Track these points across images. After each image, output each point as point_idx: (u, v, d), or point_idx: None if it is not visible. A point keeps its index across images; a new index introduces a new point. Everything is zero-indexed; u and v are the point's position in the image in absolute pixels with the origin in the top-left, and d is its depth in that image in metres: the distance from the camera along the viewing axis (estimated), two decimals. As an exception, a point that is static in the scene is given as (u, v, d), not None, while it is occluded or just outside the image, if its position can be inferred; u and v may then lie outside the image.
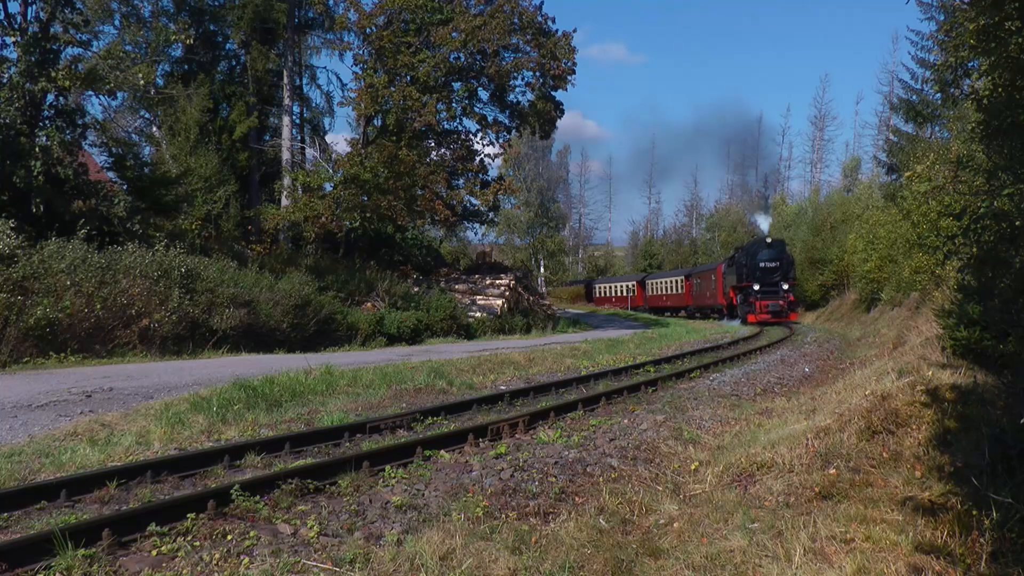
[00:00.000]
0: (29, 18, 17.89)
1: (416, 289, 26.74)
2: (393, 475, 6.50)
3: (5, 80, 16.80)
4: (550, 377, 13.88)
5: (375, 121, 30.08)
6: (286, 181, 30.20)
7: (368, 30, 28.45)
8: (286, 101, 31.30)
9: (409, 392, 11.50)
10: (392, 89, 27.63)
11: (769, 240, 37.25)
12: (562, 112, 31.45)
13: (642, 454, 7.45)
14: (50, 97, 17.95)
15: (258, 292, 19.42)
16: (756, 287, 35.68)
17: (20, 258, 14.46)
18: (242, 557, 4.60)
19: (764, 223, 46.54)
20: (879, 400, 7.33)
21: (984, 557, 4.21)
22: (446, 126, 30.44)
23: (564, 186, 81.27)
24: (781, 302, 35.19)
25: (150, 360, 15.07)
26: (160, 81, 29.77)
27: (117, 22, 29.77)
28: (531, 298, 32.90)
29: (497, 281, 31.02)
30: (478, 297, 29.46)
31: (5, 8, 17.69)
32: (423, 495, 5.95)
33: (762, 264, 35.86)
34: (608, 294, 63.87)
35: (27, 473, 6.50)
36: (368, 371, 12.69)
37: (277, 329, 19.38)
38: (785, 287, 35.50)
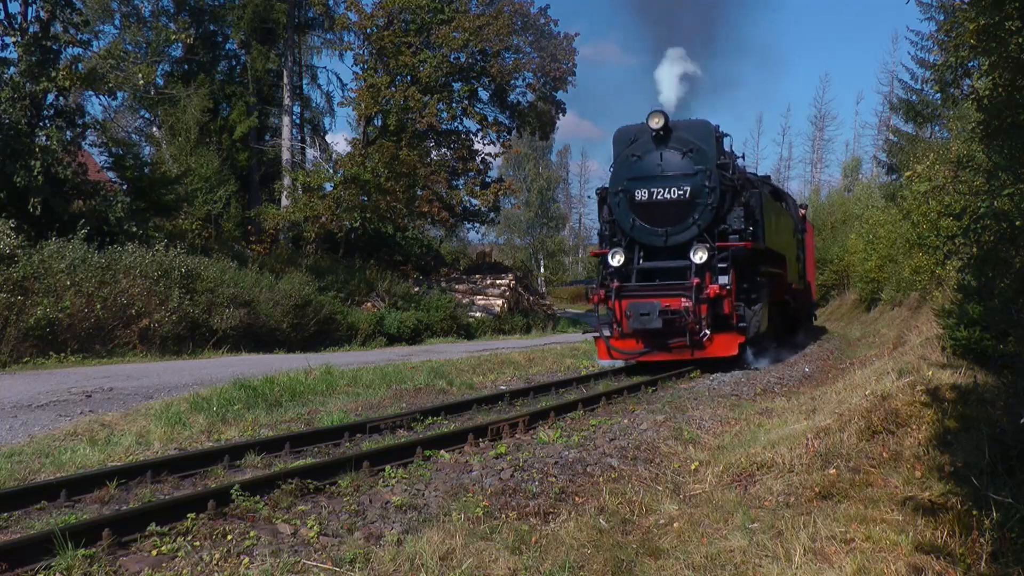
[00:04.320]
0: (29, 18, 17.90)
1: (416, 289, 26.76)
2: (393, 475, 6.50)
3: (6, 80, 16.81)
4: (550, 377, 13.88)
5: (375, 121, 30.09)
6: (286, 181, 30.20)
7: (369, 30, 28.46)
8: (286, 101, 31.30)
9: (409, 392, 11.50)
10: (393, 89, 27.65)
11: (658, 124, 13.56)
12: (564, 111, 31.50)
13: (642, 454, 7.45)
14: (50, 97, 17.96)
15: (258, 292, 19.43)
16: (617, 259, 13.69)
17: (20, 258, 14.47)
18: (242, 557, 4.60)
19: (668, 76, 15.66)
20: (879, 400, 7.33)
21: (984, 557, 4.21)
22: (446, 126, 30.48)
23: (564, 186, 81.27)
24: (683, 301, 12.95)
25: (150, 360, 15.08)
26: (160, 81, 29.75)
27: (117, 22, 29.81)
28: (531, 298, 32.90)
29: (497, 281, 31.03)
30: (478, 297, 29.47)
31: (5, 8, 17.69)
32: (423, 495, 5.95)
33: (638, 193, 13.74)
34: None
35: (27, 473, 6.50)
36: (368, 371, 12.70)
37: (277, 329, 19.38)
38: (699, 257, 13.18)
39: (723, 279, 13.40)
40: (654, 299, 13.17)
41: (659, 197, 13.66)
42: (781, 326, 18.46)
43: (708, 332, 13.15)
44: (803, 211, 22.77)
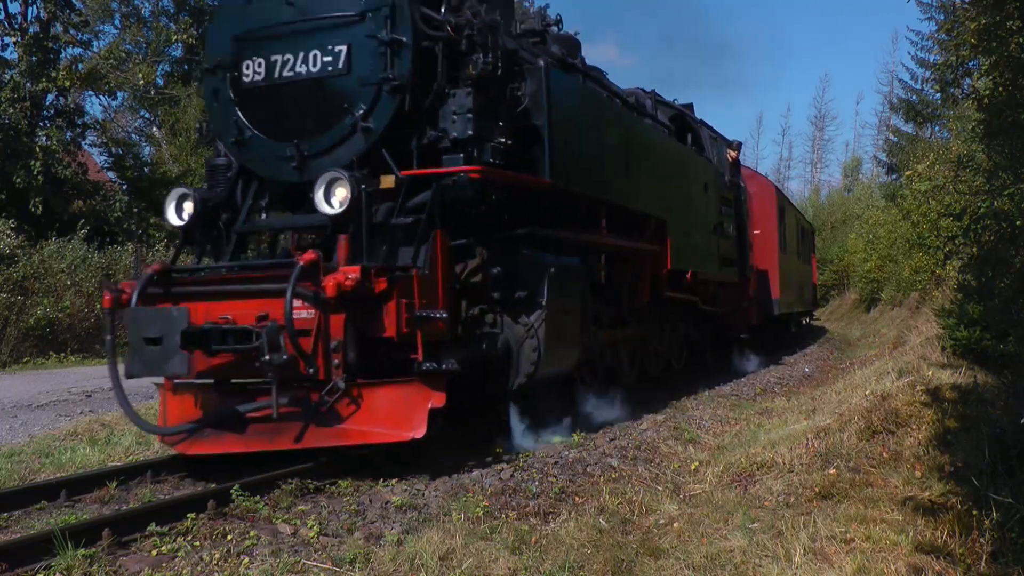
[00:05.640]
0: (29, 18, 17.93)
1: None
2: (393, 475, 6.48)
3: (6, 80, 16.84)
4: (550, 377, 13.80)
5: (375, 121, 30.10)
6: (286, 181, 30.19)
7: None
8: (286, 101, 31.29)
9: (409, 392, 11.46)
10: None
11: None
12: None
13: (642, 454, 7.45)
14: (50, 97, 17.99)
15: (258, 292, 19.45)
16: (185, 211, 6.37)
17: (20, 258, 14.50)
18: (242, 557, 4.59)
19: None
20: (879, 400, 7.33)
21: (984, 557, 4.21)
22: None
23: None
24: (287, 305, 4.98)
25: (150, 360, 15.07)
26: (160, 81, 29.77)
27: (117, 22, 29.83)
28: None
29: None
30: (478, 297, 29.41)
31: (5, 8, 17.74)
32: (423, 495, 5.94)
33: (248, 68, 6.22)
34: None
35: (27, 473, 6.50)
36: (368, 371, 12.66)
37: (277, 329, 19.40)
38: (336, 201, 5.54)
39: (406, 252, 5.82)
40: (188, 302, 5.78)
41: (286, 73, 6.23)
42: (698, 345, 12.79)
43: (341, 383, 5.59)
44: (734, 154, 13.62)
